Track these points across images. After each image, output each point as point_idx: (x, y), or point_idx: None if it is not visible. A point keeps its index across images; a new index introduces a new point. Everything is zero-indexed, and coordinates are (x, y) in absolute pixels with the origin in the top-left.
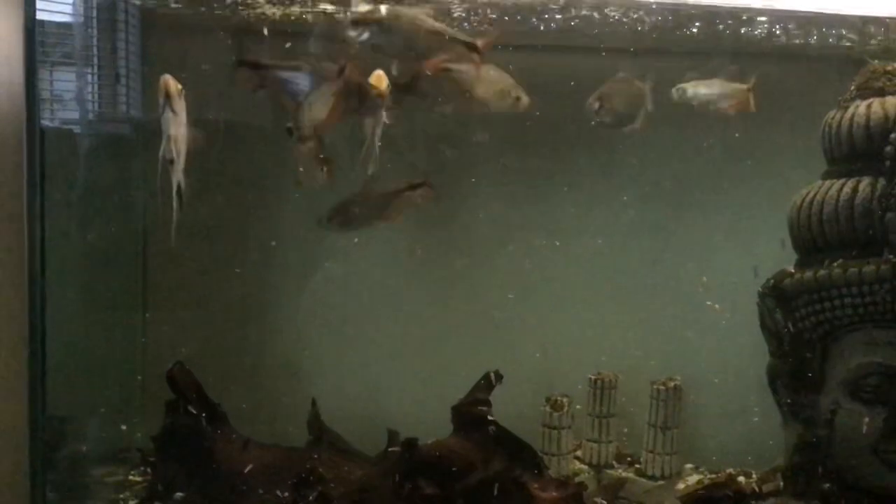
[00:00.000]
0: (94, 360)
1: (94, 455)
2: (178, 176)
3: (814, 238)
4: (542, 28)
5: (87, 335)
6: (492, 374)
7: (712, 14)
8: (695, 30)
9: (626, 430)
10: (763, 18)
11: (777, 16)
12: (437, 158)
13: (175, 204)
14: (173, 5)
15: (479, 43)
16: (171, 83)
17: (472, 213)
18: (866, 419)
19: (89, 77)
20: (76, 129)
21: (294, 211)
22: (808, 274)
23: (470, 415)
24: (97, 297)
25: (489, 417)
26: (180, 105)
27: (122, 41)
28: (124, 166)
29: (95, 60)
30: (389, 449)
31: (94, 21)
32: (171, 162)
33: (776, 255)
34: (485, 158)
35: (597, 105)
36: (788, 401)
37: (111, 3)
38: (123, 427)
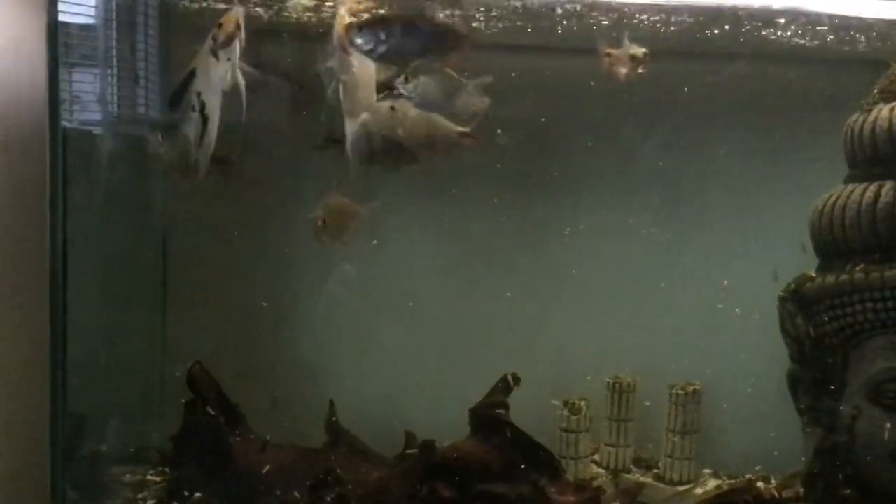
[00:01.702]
0: (115, 360)
1: (113, 454)
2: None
3: (836, 242)
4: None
5: (108, 335)
6: (509, 377)
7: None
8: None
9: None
10: (782, 20)
11: (800, 17)
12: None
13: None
14: (192, 4)
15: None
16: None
17: (489, 214)
18: (888, 425)
19: (109, 78)
20: (96, 129)
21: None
22: (830, 278)
23: (487, 417)
24: (117, 297)
25: (507, 420)
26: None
27: (142, 42)
28: (144, 167)
29: (115, 61)
30: (407, 451)
31: (114, 22)
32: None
33: (797, 259)
34: (494, 160)
35: None
36: (809, 406)
37: (131, 3)
38: (143, 426)
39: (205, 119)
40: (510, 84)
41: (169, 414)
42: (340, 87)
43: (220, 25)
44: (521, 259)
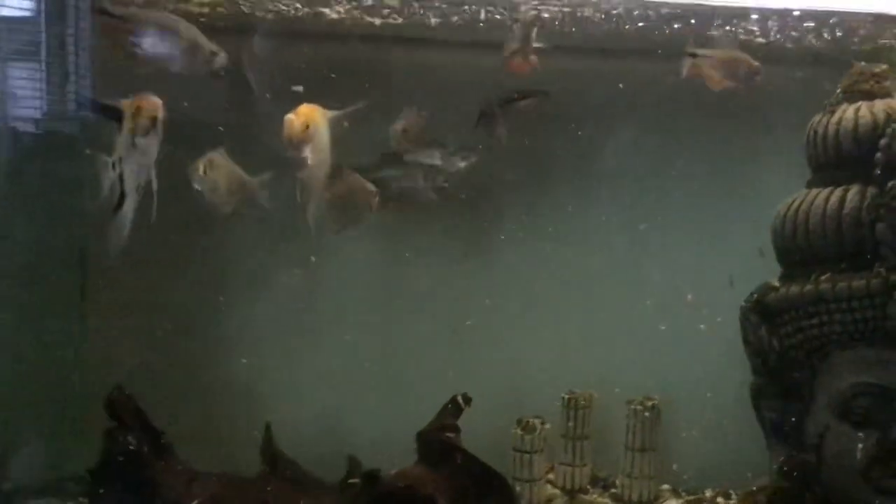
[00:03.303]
0: (27, 379)
1: (26, 486)
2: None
3: (799, 250)
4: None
5: (17, 351)
6: (459, 398)
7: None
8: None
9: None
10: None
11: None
12: None
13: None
14: None
15: None
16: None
17: (438, 224)
18: (860, 445)
19: (36, 73)
20: (20, 126)
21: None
22: (794, 288)
23: (437, 442)
24: (30, 306)
25: (457, 445)
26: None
27: (72, 36)
28: (69, 167)
29: (43, 56)
30: (349, 480)
31: (43, 15)
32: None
33: (754, 265)
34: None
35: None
36: (773, 422)
37: None
38: (59, 454)
39: (122, 195)
40: None
41: (90, 438)
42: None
43: (139, 110)
44: (471, 268)
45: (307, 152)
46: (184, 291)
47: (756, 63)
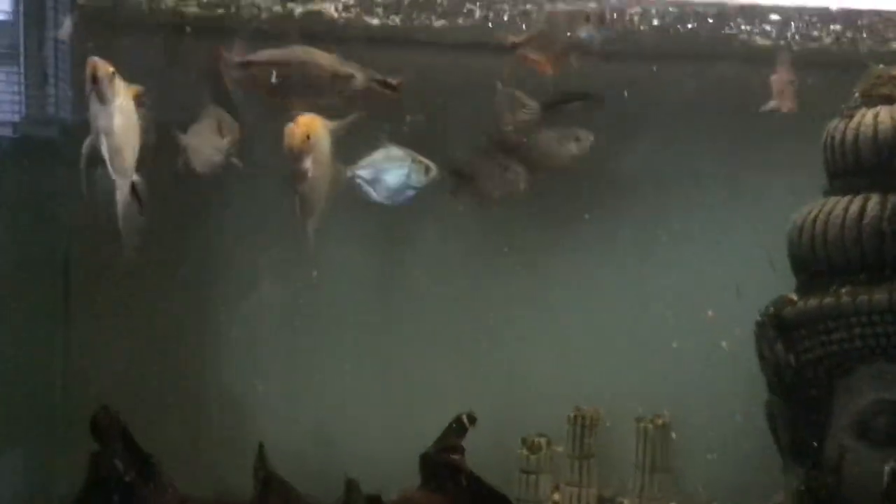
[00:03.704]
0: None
1: None
2: (127, 176)
3: (817, 261)
4: None
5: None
6: (464, 417)
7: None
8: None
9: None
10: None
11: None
12: None
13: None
14: None
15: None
16: (99, 65)
17: (440, 237)
18: (887, 467)
19: (14, 76)
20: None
21: (241, 222)
22: (813, 302)
23: (441, 464)
24: (9, 317)
25: (462, 466)
26: (112, 91)
27: (52, 39)
28: (50, 172)
29: (22, 59)
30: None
31: (21, 16)
32: (92, 164)
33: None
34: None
35: None
36: (790, 442)
37: None
38: (42, 473)
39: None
40: None
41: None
42: (103, 140)
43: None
44: (473, 283)
45: (308, 164)
46: (172, 296)
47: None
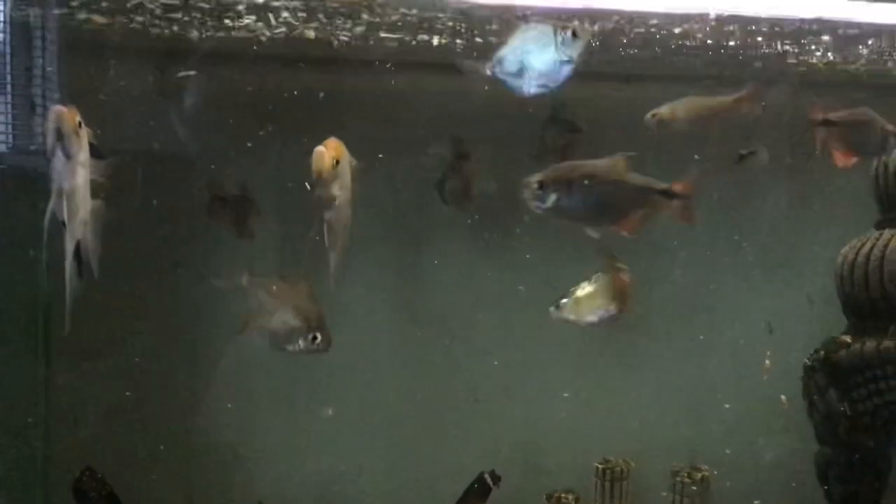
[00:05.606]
0: None
1: None
2: (75, 237)
3: (871, 299)
4: None
5: None
6: (487, 476)
7: None
8: None
9: None
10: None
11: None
12: None
13: (71, 274)
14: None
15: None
16: (66, 117)
17: (456, 270)
18: None
19: (2, 106)
20: None
21: (230, 255)
22: (870, 344)
23: None
24: None
25: None
26: (78, 146)
27: (39, 66)
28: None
29: (9, 89)
30: None
31: (7, 44)
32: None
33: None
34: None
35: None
36: (843, 496)
37: (26, 21)
38: None
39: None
40: None
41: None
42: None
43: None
44: (490, 323)
45: (336, 190)
46: (160, 340)
47: (891, 126)
